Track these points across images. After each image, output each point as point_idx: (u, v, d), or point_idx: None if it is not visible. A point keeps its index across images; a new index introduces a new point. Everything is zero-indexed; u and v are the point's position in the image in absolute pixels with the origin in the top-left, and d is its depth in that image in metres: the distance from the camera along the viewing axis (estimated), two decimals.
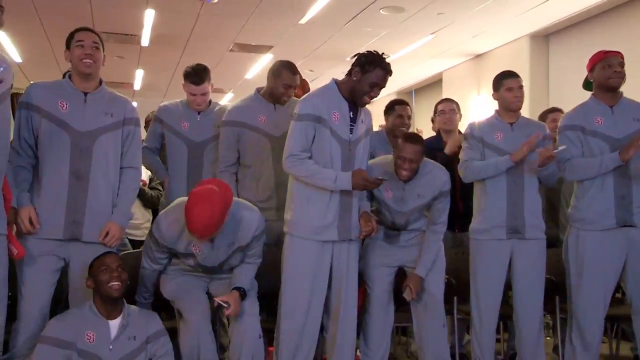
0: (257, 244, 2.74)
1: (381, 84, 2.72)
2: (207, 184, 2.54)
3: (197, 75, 3.34)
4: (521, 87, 3.11)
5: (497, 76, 3.16)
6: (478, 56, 8.89)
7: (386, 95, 11.78)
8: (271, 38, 7.97)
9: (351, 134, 2.74)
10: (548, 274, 3.15)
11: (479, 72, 8.80)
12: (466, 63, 9.22)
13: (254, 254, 2.76)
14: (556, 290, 3.24)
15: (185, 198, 2.55)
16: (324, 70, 9.21)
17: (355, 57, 2.73)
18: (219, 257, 2.69)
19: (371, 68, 2.68)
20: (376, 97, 2.77)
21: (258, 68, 9.65)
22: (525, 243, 3.03)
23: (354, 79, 2.71)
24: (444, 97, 9.60)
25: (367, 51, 2.74)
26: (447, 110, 3.87)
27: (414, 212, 3.01)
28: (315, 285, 2.73)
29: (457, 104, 4.03)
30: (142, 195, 4.09)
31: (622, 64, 2.97)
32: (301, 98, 2.80)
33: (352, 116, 2.75)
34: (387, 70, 2.72)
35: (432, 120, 4.06)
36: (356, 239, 2.83)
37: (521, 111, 3.19)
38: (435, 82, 10.53)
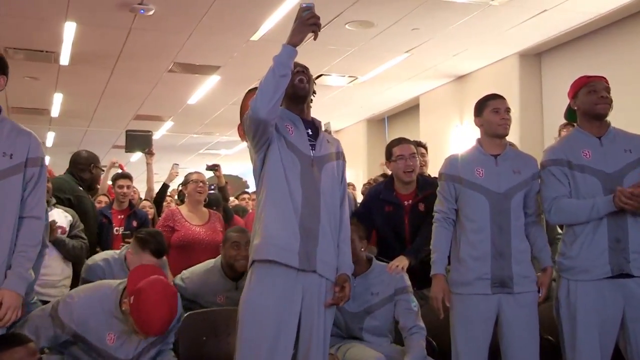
0: (174, 332, 2.86)
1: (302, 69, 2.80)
2: (149, 273, 2.71)
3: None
4: (508, 110, 3.17)
5: (480, 99, 3.22)
6: (460, 78, 9.06)
7: (355, 123, 11.94)
8: (218, 57, 7.99)
9: (313, 150, 2.78)
10: (544, 333, 3.18)
11: (462, 95, 8.95)
12: (446, 86, 9.37)
13: (169, 342, 2.88)
14: (556, 353, 3.22)
15: (105, 282, 2.70)
16: None
17: None
18: (134, 349, 2.75)
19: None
20: (306, 81, 2.81)
21: (203, 92, 9.65)
22: (513, 297, 3.05)
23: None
24: (421, 125, 9.90)
25: None
26: (407, 154, 3.74)
27: (369, 313, 3.18)
28: (281, 328, 2.63)
29: (422, 145, 4.09)
30: (61, 246, 4.04)
31: (607, 89, 3.04)
32: None
33: (310, 134, 2.82)
34: None
35: (385, 165, 4.00)
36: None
37: (511, 140, 3.25)
38: (411, 108, 10.66)
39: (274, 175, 2.69)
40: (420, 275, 3.46)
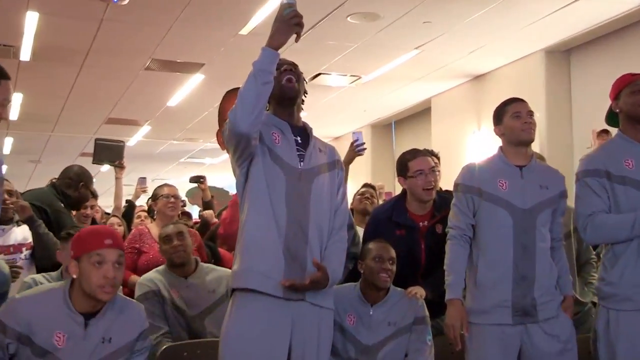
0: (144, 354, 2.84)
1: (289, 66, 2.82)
2: None
3: None
4: (531, 113, 3.18)
5: (498, 106, 3.24)
6: (477, 78, 9.07)
7: (359, 127, 11.93)
8: (202, 53, 8.00)
9: (302, 161, 2.76)
10: None
11: (479, 98, 8.95)
12: (462, 87, 9.38)
13: None
14: None
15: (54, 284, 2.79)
16: None
17: None
18: (87, 355, 2.69)
19: None
20: (295, 80, 2.82)
21: (184, 92, 9.66)
22: (539, 326, 3.03)
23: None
24: (433, 131, 9.90)
25: None
26: (427, 169, 3.64)
27: (384, 345, 3.20)
28: None
29: (434, 154, 4.05)
30: (33, 226, 4.21)
31: None
32: None
33: (300, 142, 2.81)
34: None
35: (398, 181, 3.87)
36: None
37: (536, 147, 3.21)
38: (421, 112, 10.69)
39: (256, 192, 2.69)
40: (433, 302, 3.46)
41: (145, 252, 4.42)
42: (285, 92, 2.78)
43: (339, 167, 2.92)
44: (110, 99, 10.13)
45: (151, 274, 3.80)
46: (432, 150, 4.54)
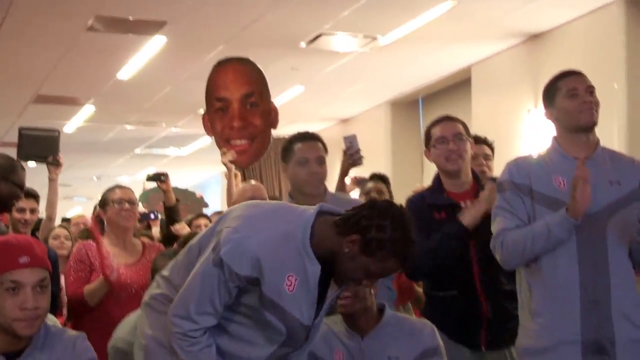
0: None
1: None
2: None
3: None
4: (591, 89, 3.26)
5: (547, 84, 3.34)
6: (534, 38, 9.08)
7: (374, 107, 11.91)
8: (163, 8, 7.99)
9: (315, 319, 2.94)
10: None
11: (537, 65, 8.93)
12: (513, 50, 9.39)
13: None
14: None
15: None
16: None
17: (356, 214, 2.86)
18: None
19: (383, 254, 2.82)
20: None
21: (141, 60, 9.73)
22: None
23: (346, 250, 2.84)
24: (473, 110, 9.87)
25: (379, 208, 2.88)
26: (450, 135, 3.91)
27: None
28: None
29: (486, 142, 4.33)
30: None
31: None
32: None
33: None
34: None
35: (425, 154, 4.16)
36: None
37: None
38: (458, 84, 10.75)
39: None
40: (491, 331, 3.65)
41: (98, 271, 4.46)
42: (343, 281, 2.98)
43: None
44: (40, 71, 10.18)
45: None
46: (481, 137, 4.68)
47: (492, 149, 4.74)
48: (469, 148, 3.91)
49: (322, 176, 3.86)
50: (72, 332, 2.94)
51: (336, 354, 3.32)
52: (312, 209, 2.89)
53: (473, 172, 3.96)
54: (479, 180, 3.92)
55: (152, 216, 5.59)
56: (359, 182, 4.47)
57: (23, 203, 5.29)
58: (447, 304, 3.76)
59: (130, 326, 3.58)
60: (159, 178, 5.91)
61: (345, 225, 2.82)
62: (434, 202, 3.84)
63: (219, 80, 5.08)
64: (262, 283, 2.80)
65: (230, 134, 5.63)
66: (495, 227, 3.27)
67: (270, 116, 5.41)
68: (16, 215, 5.30)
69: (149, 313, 3.05)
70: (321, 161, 3.85)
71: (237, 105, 5.16)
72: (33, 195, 5.45)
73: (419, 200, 3.94)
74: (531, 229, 3.15)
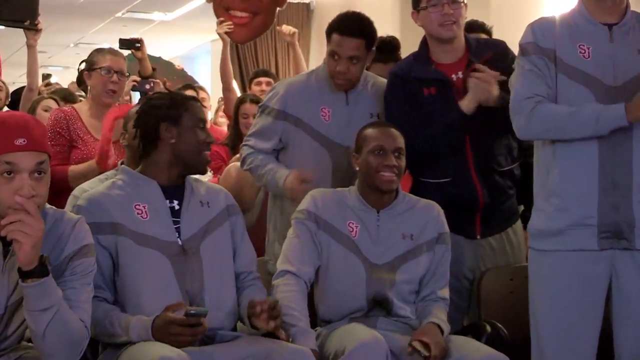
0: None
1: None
2: None
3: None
4: None
5: None
6: None
7: None
8: None
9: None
10: None
11: None
12: None
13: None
14: None
15: None
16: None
17: None
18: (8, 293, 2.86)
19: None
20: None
21: None
22: (632, 257, 3.07)
23: None
24: None
25: None
26: None
27: (402, 264, 3.37)
28: None
29: (484, 29, 4.36)
30: None
31: None
32: None
33: None
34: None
35: (412, 17, 3.86)
36: None
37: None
38: None
39: None
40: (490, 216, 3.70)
41: (79, 148, 4.36)
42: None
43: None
44: None
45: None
46: (483, 24, 4.62)
47: (489, 35, 4.62)
48: (464, 13, 3.74)
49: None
50: (72, 215, 2.88)
51: (349, 225, 3.39)
52: None
53: (466, 37, 3.79)
54: (471, 48, 3.75)
55: (147, 87, 5.38)
56: None
57: None
58: (441, 190, 3.69)
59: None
60: (133, 45, 5.69)
61: None
62: (422, 76, 3.71)
63: None
64: None
65: (232, 3, 5.48)
66: (521, 89, 3.13)
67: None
68: None
69: None
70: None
71: None
72: None
73: (404, 73, 3.78)
74: (577, 111, 3.02)
